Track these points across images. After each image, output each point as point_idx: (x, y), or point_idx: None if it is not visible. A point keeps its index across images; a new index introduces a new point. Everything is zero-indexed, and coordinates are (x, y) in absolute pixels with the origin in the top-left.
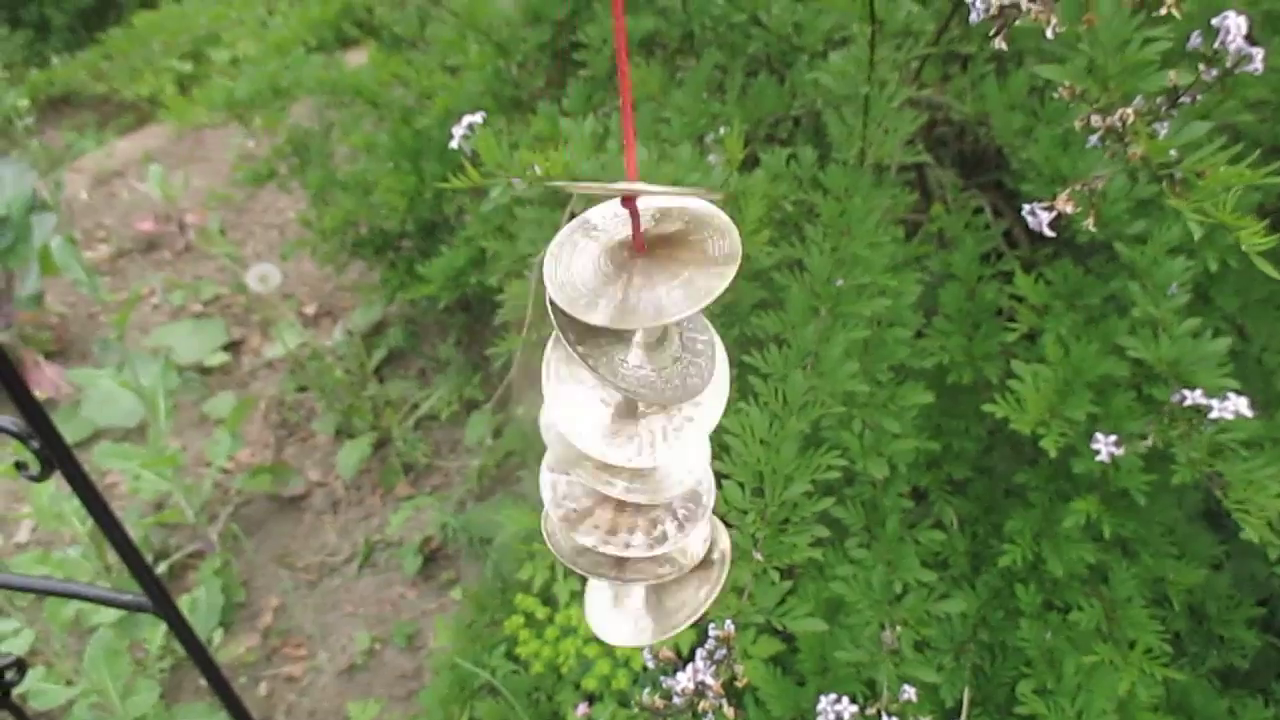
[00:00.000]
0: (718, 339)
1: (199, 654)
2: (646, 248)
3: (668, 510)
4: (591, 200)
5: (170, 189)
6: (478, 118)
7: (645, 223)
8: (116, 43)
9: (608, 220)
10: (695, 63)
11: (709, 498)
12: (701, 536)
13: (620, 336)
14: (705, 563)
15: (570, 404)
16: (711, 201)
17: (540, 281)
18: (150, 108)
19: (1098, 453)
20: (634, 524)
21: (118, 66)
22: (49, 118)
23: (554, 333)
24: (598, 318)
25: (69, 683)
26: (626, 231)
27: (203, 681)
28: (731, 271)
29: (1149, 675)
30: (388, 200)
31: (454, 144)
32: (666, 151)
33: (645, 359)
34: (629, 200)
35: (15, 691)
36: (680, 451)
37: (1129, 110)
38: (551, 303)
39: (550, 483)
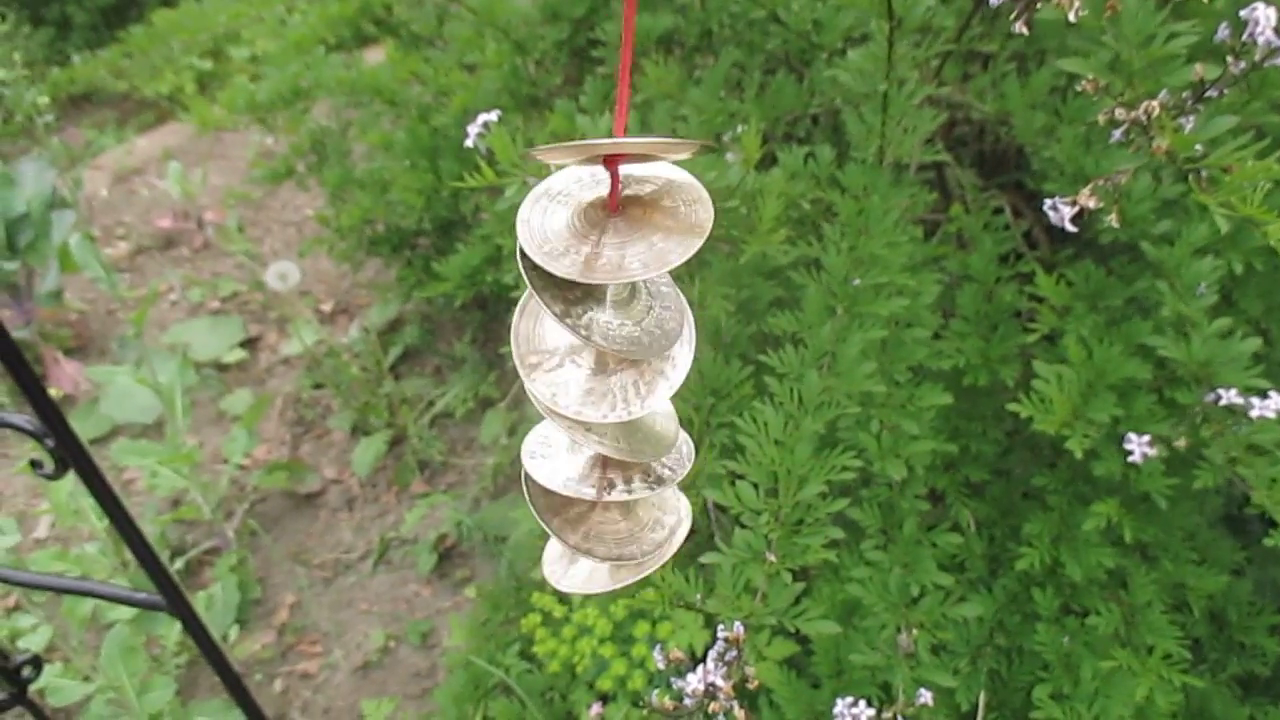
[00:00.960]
0: (679, 291)
1: (212, 652)
2: (620, 208)
3: (657, 462)
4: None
5: (189, 186)
6: (493, 116)
7: (632, 186)
8: (137, 40)
9: (570, 185)
10: (713, 61)
11: (689, 448)
12: (661, 522)
13: (593, 295)
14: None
15: (546, 369)
16: (694, 154)
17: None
18: (170, 105)
19: (1130, 453)
20: (629, 476)
21: (138, 64)
22: (70, 115)
23: (523, 299)
24: (567, 269)
25: (86, 679)
26: (595, 194)
27: (218, 678)
28: (699, 240)
29: (1168, 681)
30: (405, 198)
31: (469, 142)
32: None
33: (619, 315)
34: (611, 160)
35: (32, 687)
36: (651, 405)
37: (1154, 103)
38: (525, 263)
39: (531, 452)
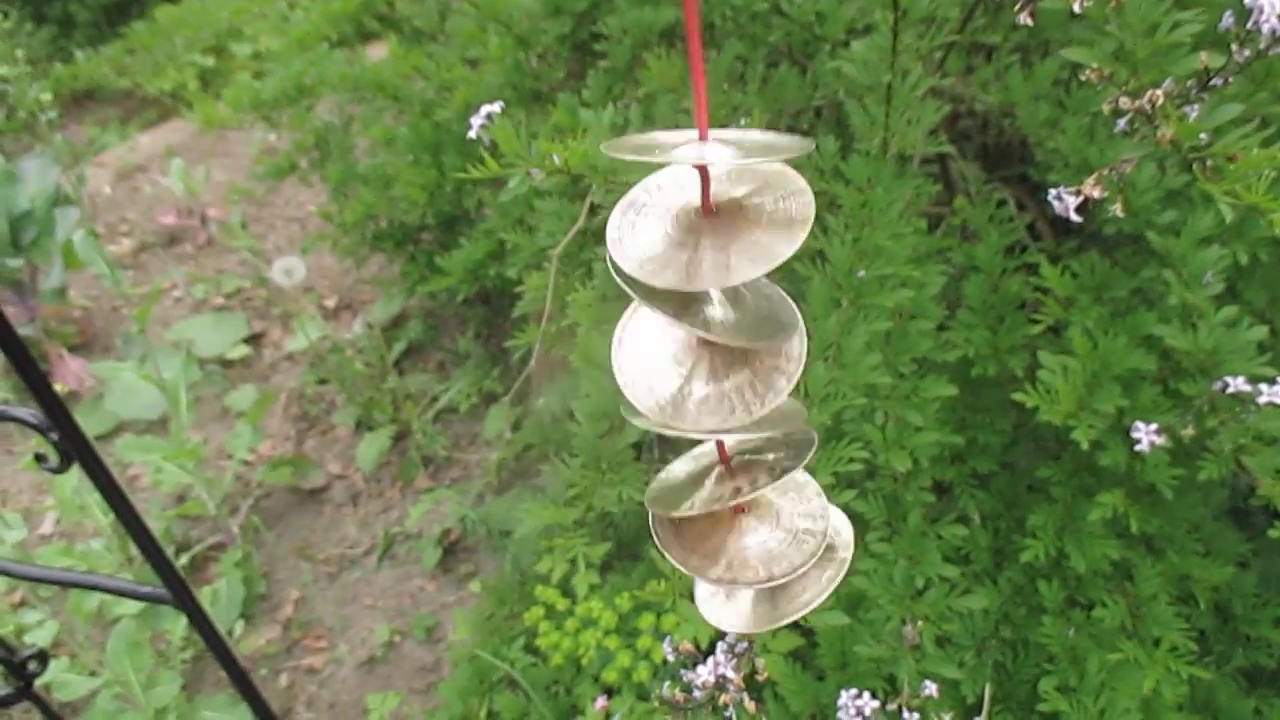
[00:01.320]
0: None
1: (218, 646)
2: (715, 210)
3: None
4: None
5: (192, 183)
6: (496, 107)
7: (717, 184)
8: (139, 37)
9: (653, 193)
10: (716, 54)
11: (812, 435)
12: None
13: (698, 299)
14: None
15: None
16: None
17: (558, 273)
18: (173, 102)
19: (1137, 443)
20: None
21: (140, 61)
22: (73, 113)
23: (630, 307)
24: (672, 281)
25: (92, 674)
26: (682, 199)
27: (224, 673)
28: (803, 231)
29: (1174, 674)
30: (408, 194)
31: (472, 134)
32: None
33: (730, 311)
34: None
35: (38, 682)
36: (772, 403)
37: (1158, 92)
38: (627, 281)
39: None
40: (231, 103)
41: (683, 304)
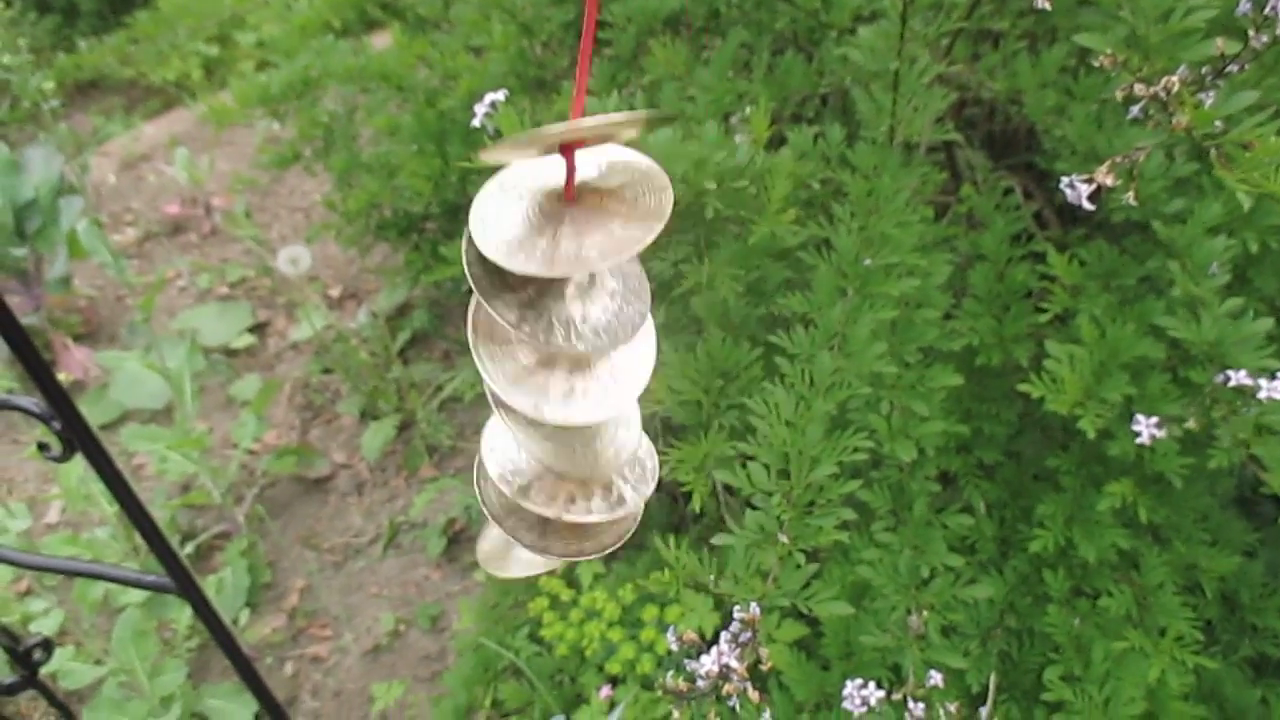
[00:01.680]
0: (645, 281)
1: (221, 634)
2: (578, 198)
3: (618, 475)
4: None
5: (196, 172)
6: (500, 95)
7: (590, 174)
8: (143, 26)
9: (524, 177)
10: (721, 41)
11: (653, 461)
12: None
13: (549, 292)
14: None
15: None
16: (649, 127)
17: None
18: (177, 92)
19: (1138, 435)
20: (589, 491)
21: (144, 50)
22: (77, 102)
23: (473, 306)
24: (524, 265)
25: (98, 662)
26: (551, 185)
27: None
28: (659, 225)
29: (1180, 663)
30: (411, 183)
31: (476, 122)
32: (692, 130)
33: (582, 309)
34: (567, 147)
35: (43, 670)
36: (583, 413)
37: (1174, 79)
38: (477, 266)
39: (492, 448)
40: (239, 99)
41: (529, 298)
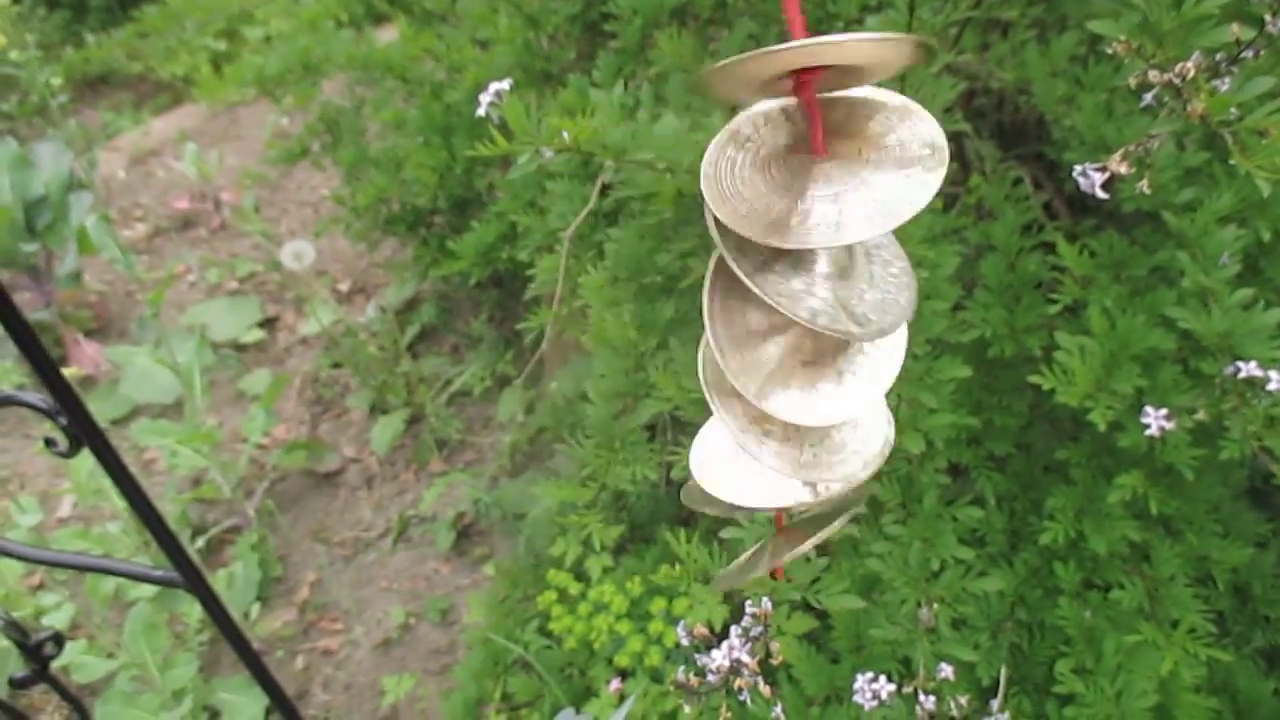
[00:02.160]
0: (909, 266)
1: (229, 628)
2: (829, 153)
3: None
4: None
5: (205, 167)
6: (505, 84)
7: (830, 119)
8: (151, 21)
9: (759, 127)
10: (728, 32)
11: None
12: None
13: (800, 265)
14: None
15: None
16: (912, 54)
17: (569, 255)
18: (185, 87)
19: (1147, 427)
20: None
21: (152, 45)
22: (87, 98)
23: (712, 270)
24: (769, 233)
25: (110, 656)
26: (789, 138)
27: None
28: (935, 175)
29: (1192, 655)
30: (418, 176)
31: (481, 111)
32: (699, 121)
33: (831, 290)
34: (804, 83)
35: (55, 664)
36: (861, 398)
37: (1189, 65)
38: (720, 230)
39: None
40: (235, 78)
41: (780, 268)
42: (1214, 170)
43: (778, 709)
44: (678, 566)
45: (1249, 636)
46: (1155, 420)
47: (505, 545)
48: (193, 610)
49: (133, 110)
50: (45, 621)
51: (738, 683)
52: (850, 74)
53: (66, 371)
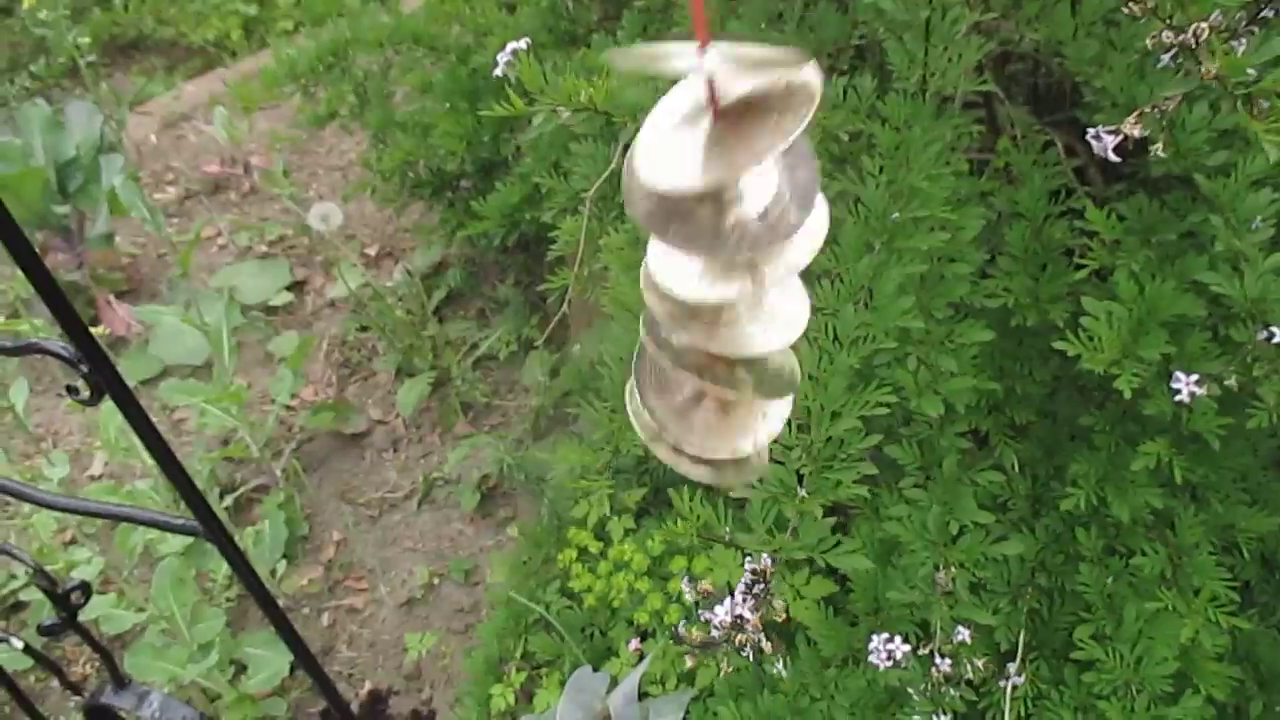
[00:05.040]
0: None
1: (249, 577)
2: (722, 112)
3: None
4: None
5: (236, 131)
6: (521, 44)
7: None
8: None
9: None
10: None
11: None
12: None
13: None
14: None
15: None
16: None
17: (591, 217)
18: (216, 52)
19: (1177, 393)
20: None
21: (183, 9)
22: (119, 62)
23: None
24: (682, 181)
25: (139, 609)
26: (692, 108)
27: None
28: (808, 110)
29: (1214, 624)
30: (445, 141)
31: (498, 71)
32: None
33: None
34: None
35: (85, 616)
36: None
37: (1203, 25)
38: (631, 184)
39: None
40: (268, 80)
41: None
42: (1249, 134)
43: (779, 665)
44: (680, 523)
45: (1275, 607)
46: (1186, 386)
47: (529, 507)
48: (220, 566)
49: (165, 75)
50: (75, 575)
51: (739, 639)
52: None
53: (96, 332)
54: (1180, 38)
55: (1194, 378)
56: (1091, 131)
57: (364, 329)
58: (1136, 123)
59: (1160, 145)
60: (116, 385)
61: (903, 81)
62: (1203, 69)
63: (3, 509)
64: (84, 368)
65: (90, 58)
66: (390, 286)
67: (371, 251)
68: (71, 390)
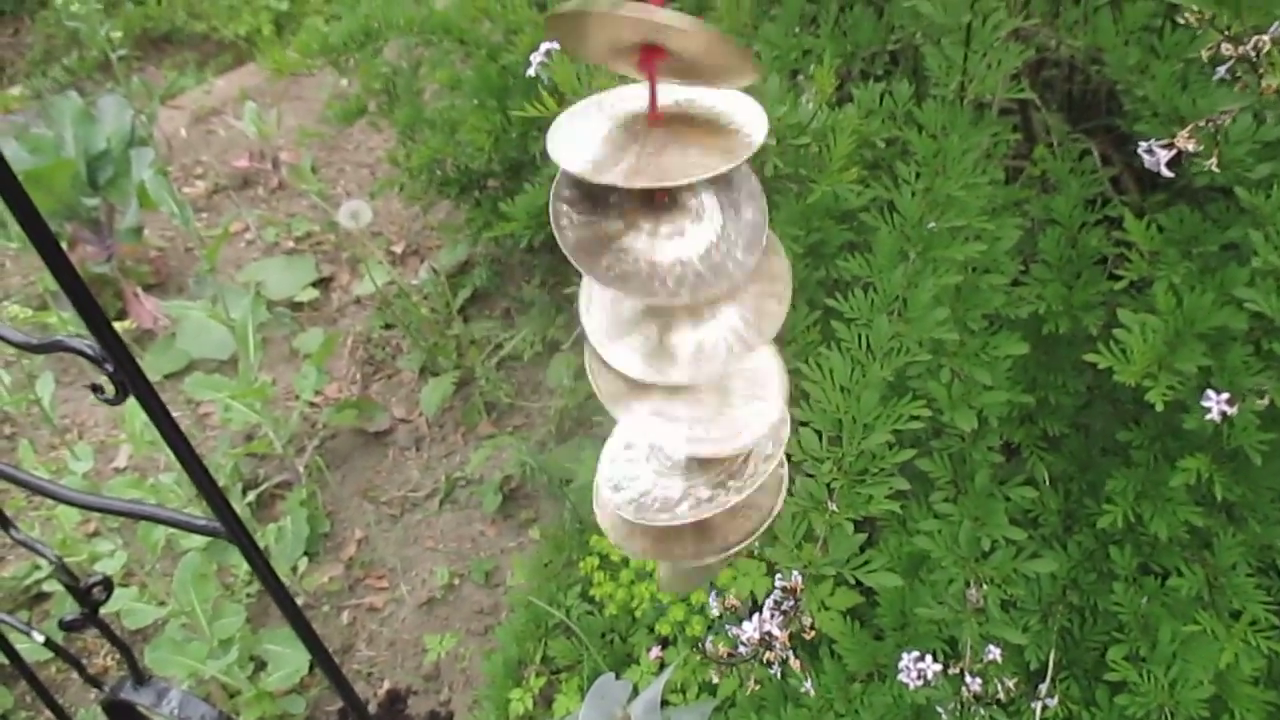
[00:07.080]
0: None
1: (267, 575)
2: (664, 121)
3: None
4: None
5: (265, 127)
6: (555, 44)
7: (679, 101)
8: None
9: (616, 101)
10: None
11: (786, 429)
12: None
13: (639, 228)
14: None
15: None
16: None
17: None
18: (247, 47)
19: (1208, 410)
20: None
21: (215, 4)
22: (151, 56)
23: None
24: (607, 177)
25: (161, 604)
26: (638, 106)
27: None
28: (745, 152)
29: (1253, 647)
30: (473, 138)
31: (531, 71)
32: (754, 86)
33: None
34: (647, 57)
35: (107, 610)
36: (770, 331)
37: (1264, 37)
38: (559, 187)
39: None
40: (300, 48)
41: (622, 237)
42: None
43: (808, 683)
44: None
45: None
46: (1216, 404)
47: (551, 509)
48: (242, 562)
49: (196, 69)
50: (98, 568)
51: (768, 655)
52: (693, 71)
53: (123, 325)
54: (1239, 50)
55: (1225, 395)
56: (1144, 145)
57: (389, 327)
58: (1190, 137)
59: (1214, 160)
60: (140, 384)
61: (940, 88)
62: (1263, 83)
63: (28, 500)
64: (109, 366)
65: (122, 51)
66: (416, 285)
67: (398, 249)
68: (96, 389)
